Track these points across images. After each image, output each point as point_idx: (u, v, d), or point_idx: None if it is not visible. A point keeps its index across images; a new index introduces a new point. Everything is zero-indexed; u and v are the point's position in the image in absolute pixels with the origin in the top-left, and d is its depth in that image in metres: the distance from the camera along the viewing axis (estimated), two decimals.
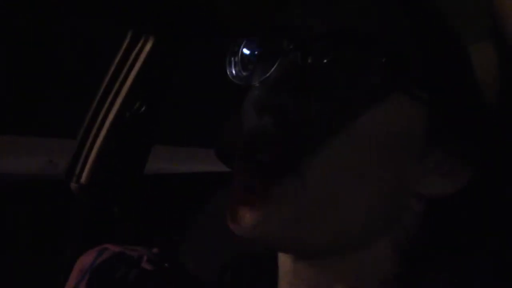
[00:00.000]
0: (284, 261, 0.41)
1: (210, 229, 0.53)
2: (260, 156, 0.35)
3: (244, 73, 0.39)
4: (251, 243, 0.37)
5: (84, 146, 1.48)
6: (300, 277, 0.40)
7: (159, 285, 0.46)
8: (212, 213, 0.55)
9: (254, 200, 0.35)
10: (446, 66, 0.35)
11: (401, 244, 0.38)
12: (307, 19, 0.35)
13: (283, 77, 0.34)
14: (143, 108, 1.44)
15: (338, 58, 0.34)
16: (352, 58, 0.33)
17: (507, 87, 0.37)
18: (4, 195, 1.39)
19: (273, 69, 0.35)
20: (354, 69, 0.33)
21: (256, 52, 0.38)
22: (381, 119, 0.34)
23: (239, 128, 0.37)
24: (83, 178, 1.45)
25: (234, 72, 0.39)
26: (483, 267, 0.37)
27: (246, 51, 0.39)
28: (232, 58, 0.39)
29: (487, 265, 0.37)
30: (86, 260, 0.50)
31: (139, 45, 1.39)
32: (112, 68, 1.44)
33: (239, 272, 0.46)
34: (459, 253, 0.38)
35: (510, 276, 0.36)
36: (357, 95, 0.34)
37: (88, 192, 1.45)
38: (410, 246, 0.38)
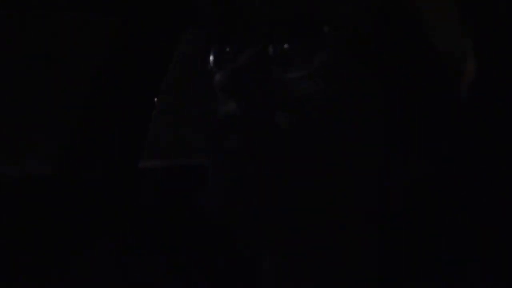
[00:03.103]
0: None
1: None
2: (228, 141, 0.36)
3: (218, 64, 0.40)
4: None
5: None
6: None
7: None
8: None
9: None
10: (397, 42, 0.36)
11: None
12: (267, 12, 0.37)
13: (252, 65, 0.36)
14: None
15: (294, 42, 0.36)
16: (306, 41, 0.36)
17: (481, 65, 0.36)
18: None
19: (241, 58, 0.37)
20: (310, 49, 0.36)
21: (227, 49, 0.40)
22: (344, 97, 0.35)
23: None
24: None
25: (211, 64, 0.41)
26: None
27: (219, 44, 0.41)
28: (210, 52, 0.41)
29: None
30: None
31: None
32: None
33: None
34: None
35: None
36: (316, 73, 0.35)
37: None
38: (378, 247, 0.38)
